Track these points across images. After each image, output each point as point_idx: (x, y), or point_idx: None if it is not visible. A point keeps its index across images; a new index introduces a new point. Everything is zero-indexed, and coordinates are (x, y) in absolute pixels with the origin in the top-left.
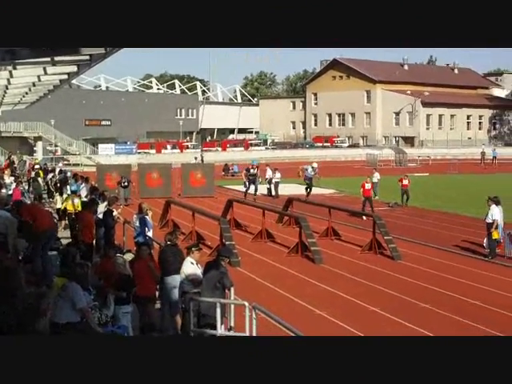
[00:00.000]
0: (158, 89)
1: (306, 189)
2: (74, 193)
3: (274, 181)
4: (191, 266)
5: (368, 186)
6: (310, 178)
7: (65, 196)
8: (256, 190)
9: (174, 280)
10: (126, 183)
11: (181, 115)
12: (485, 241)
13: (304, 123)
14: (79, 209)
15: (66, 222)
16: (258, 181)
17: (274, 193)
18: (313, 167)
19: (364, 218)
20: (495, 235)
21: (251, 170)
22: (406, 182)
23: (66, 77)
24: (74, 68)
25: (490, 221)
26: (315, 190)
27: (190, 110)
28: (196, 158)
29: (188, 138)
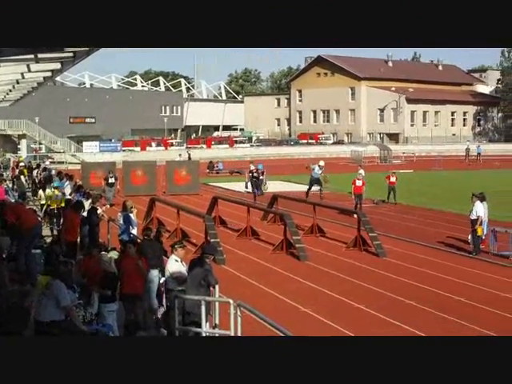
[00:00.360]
0: (143, 86)
1: (309, 189)
2: (56, 188)
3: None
4: (176, 264)
5: (359, 183)
6: (316, 177)
7: (48, 191)
8: (256, 194)
9: (152, 275)
10: (112, 179)
11: (165, 112)
12: (469, 237)
13: (289, 120)
14: (62, 205)
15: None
16: (265, 187)
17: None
18: (320, 166)
19: (355, 215)
20: (479, 232)
21: (255, 174)
22: (393, 179)
23: (49, 74)
24: (57, 65)
25: (475, 217)
26: (301, 187)
27: (174, 107)
28: (180, 155)
29: (173, 135)
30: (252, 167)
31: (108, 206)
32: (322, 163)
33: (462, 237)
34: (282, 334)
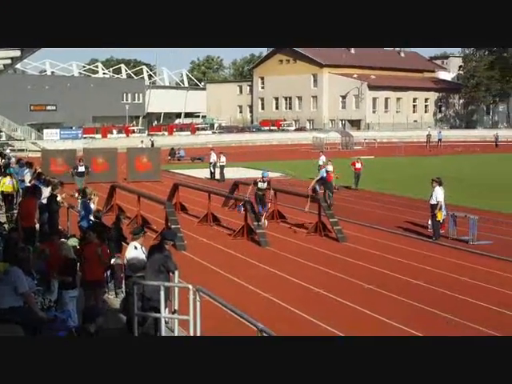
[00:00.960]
0: (104, 73)
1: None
2: (10, 175)
3: (218, 164)
4: (135, 250)
5: (329, 169)
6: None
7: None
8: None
9: None
10: (82, 168)
11: (127, 99)
12: (429, 222)
13: (251, 107)
14: (16, 189)
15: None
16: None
17: (219, 177)
18: (327, 170)
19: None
20: (439, 216)
21: (259, 184)
22: (358, 165)
23: (9, 61)
24: (17, 53)
25: (434, 202)
26: (261, 174)
27: (136, 95)
28: (142, 142)
29: (134, 122)
30: (213, 155)
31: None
32: (329, 168)
33: (421, 222)
34: (241, 319)
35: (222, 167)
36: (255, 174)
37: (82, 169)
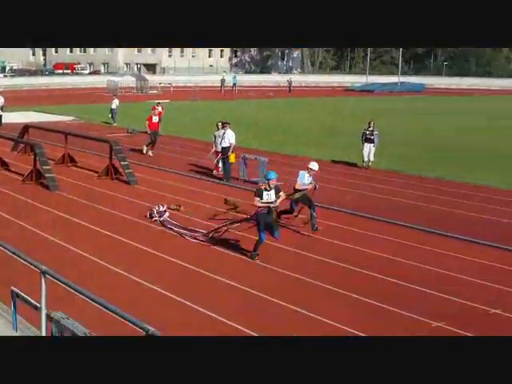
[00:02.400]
0: None
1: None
2: None
3: None
4: None
5: (155, 119)
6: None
7: None
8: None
9: None
10: None
11: None
12: (220, 164)
13: (44, 50)
14: None
15: None
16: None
17: None
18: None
19: (150, 153)
20: (232, 159)
21: (264, 194)
22: (159, 109)
23: None
24: None
25: (227, 144)
26: (54, 118)
27: None
28: None
29: None
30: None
31: None
32: (315, 166)
33: (211, 164)
34: (26, 263)
35: None
36: (48, 117)
37: None
